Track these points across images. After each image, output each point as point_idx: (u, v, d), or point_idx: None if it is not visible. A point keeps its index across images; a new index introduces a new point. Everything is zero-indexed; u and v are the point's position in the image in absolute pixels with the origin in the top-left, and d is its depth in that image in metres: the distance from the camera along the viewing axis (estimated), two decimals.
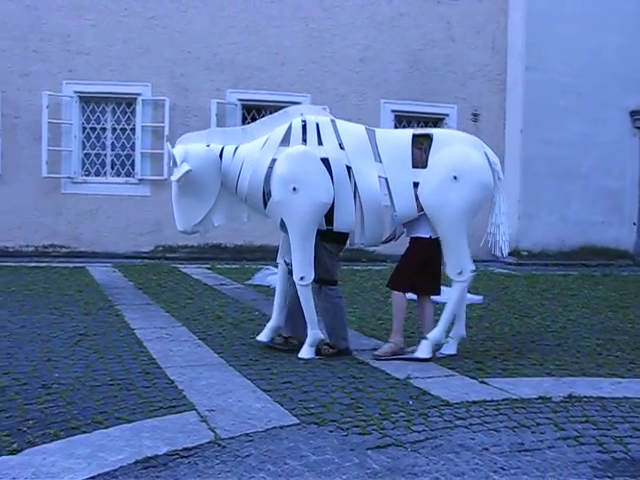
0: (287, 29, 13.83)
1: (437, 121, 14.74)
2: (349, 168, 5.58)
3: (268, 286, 9.38)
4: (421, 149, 5.69)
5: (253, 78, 13.67)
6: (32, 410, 4.04)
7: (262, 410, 4.18)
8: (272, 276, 9.68)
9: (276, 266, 6.26)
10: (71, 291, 8.77)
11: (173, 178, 5.62)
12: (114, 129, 13.53)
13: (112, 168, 13.49)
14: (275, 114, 5.94)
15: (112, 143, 13.45)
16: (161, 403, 4.24)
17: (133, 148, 13.42)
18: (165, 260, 12.62)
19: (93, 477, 3.17)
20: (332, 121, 5.71)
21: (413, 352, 5.66)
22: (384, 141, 5.68)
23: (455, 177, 5.52)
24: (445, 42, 14.61)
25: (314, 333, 5.65)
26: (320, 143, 5.58)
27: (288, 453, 3.52)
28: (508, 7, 14.83)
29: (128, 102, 13.48)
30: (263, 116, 13.78)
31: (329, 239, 5.68)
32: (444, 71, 14.60)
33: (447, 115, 14.67)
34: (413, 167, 5.63)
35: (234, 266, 12.01)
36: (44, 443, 3.54)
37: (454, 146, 5.69)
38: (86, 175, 13.42)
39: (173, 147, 5.68)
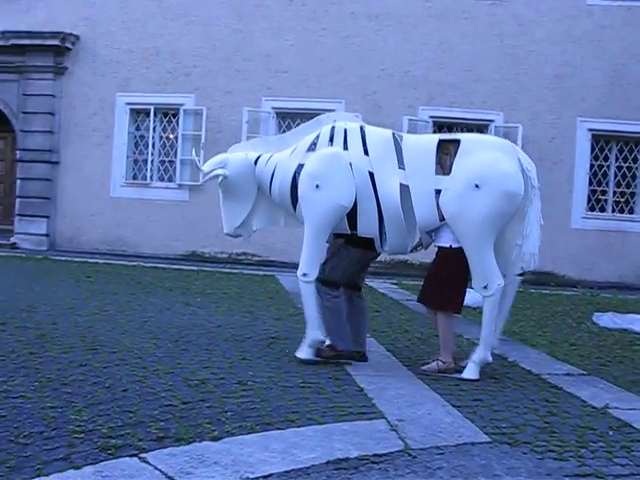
0: (481, 46, 13.65)
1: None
2: (372, 174, 5.45)
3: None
4: (447, 154, 5.40)
5: (445, 95, 13.61)
6: (229, 403, 4.24)
7: (452, 425, 4.09)
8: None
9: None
10: (262, 297, 9.15)
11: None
12: None
13: None
14: (309, 122, 6.02)
15: None
16: (351, 409, 4.27)
17: None
18: None
19: (287, 471, 3.25)
20: (361, 127, 5.64)
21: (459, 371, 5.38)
22: (409, 147, 5.50)
23: (477, 185, 5.18)
24: None
25: (313, 333, 5.53)
26: (346, 148, 5.53)
27: (480, 470, 3.41)
28: None
29: None
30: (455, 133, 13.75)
31: (355, 244, 5.59)
32: None
33: None
34: (438, 174, 5.37)
35: (420, 282, 11.91)
36: (241, 434, 3.69)
37: (482, 152, 5.34)
38: None
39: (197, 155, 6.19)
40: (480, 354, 5.37)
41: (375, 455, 3.51)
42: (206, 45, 14.16)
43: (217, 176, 5.95)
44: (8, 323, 6.41)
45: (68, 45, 14.72)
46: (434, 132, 13.69)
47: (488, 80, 13.62)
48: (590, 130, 13.71)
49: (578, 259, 13.46)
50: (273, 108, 13.89)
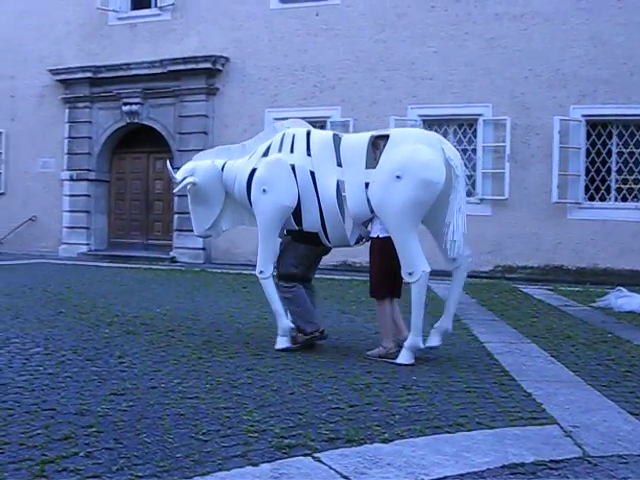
0: (636, 36, 12.87)
1: None
2: (313, 173, 5.85)
3: (618, 310, 8.78)
4: (378, 149, 5.66)
5: (598, 92, 12.98)
6: (395, 407, 4.23)
7: (632, 433, 3.86)
8: (622, 299, 9.06)
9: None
10: None
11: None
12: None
13: None
14: (266, 129, 6.63)
15: None
16: (520, 414, 4.15)
17: (474, 168, 13.56)
18: (504, 280, 12.49)
19: (462, 475, 3.19)
20: (308, 132, 6.07)
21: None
22: (345, 145, 5.82)
23: (398, 176, 5.39)
24: None
25: (282, 322, 6.02)
26: (292, 151, 5.97)
27: None
28: None
29: (469, 123, 13.70)
30: (610, 132, 13.09)
31: (301, 239, 6.02)
32: None
33: None
34: (369, 168, 5.62)
35: (576, 288, 11.46)
36: (411, 437, 3.67)
37: (405, 145, 5.53)
38: None
39: (172, 167, 6.88)
40: (412, 341, 5.50)
41: (552, 461, 3.38)
42: (350, 57, 14.37)
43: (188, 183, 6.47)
44: (176, 330, 6.77)
45: (219, 67, 15.46)
46: (588, 132, 13.13)
47: None
48: None
49: None
50: (419, 116, 13.81)
